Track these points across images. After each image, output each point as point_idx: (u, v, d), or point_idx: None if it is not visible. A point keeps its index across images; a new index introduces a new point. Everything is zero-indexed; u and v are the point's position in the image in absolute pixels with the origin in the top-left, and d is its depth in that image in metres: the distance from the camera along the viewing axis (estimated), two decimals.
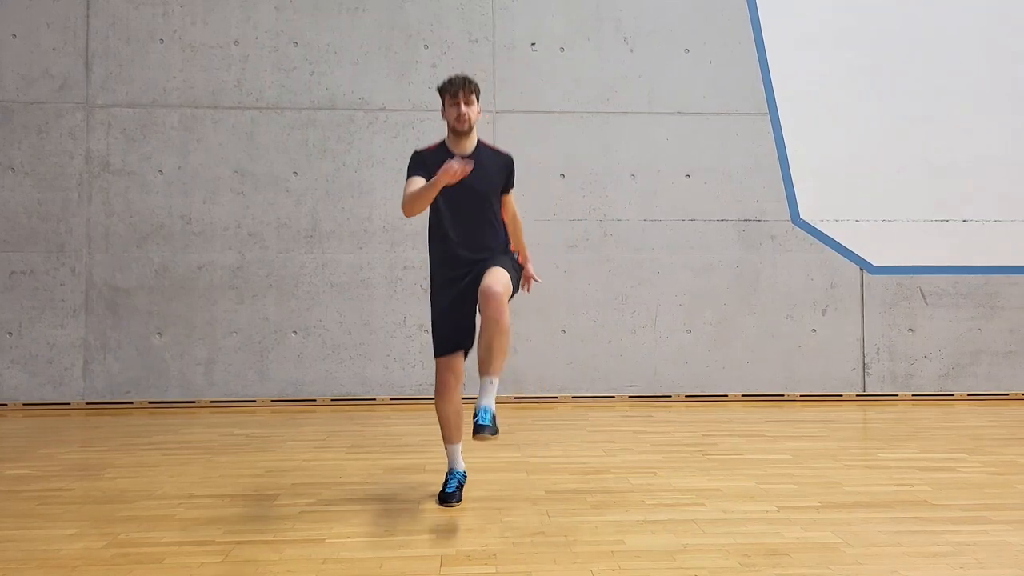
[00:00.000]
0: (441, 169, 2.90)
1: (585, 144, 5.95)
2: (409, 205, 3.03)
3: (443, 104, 3.21)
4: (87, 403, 5.63)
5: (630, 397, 5.88)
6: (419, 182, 3.07)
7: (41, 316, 5.63)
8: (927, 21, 6.16)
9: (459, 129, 3.16)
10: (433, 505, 3.11)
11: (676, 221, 5.99)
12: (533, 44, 5.99)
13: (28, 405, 5.59)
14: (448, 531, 2.78)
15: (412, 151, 3.29)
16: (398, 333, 5.75)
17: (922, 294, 6.06)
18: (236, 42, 5.83)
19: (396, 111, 5.89)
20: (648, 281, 5.95)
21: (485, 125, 5.68)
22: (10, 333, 5.62)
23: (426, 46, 5.94)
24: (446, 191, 3.07)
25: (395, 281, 5.81)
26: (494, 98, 5.86)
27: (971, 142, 6.11)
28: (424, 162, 3.16)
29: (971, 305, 6.07)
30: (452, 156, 3.11)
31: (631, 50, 6.03)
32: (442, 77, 5.83)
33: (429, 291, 3.33)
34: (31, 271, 5.65)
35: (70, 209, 5.69)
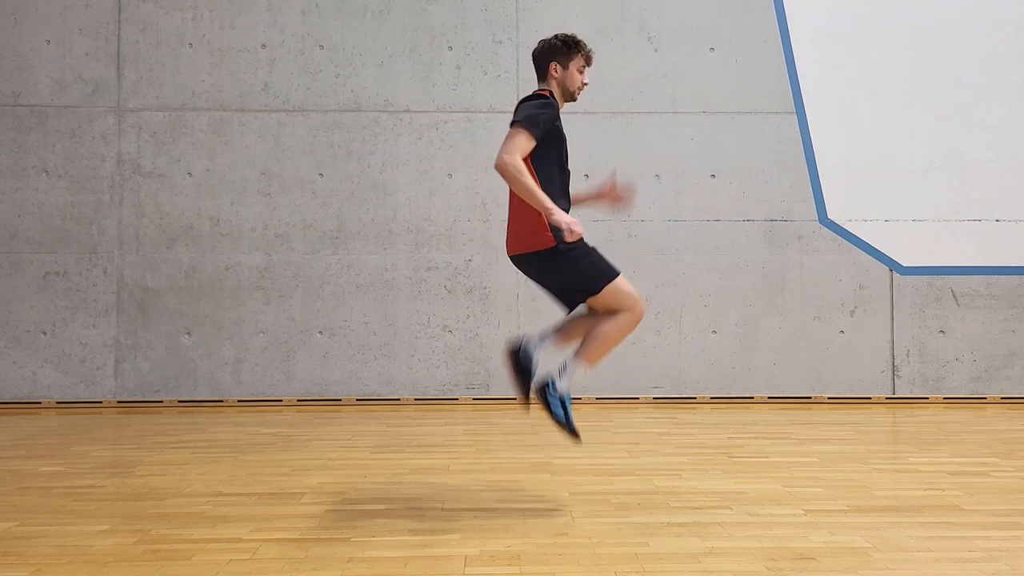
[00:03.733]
0: (570, 219, 2.65)
1: (609, 144, 5.93)
2: (517, 173, 2.66)
3: (566, 64, 2.88)
4: (118, 401, 5.73)
5: (654, 399, 5.85)
6: (529, 146, 2.72)
7: (74, 316, 5.75)
8: (957, 17, 6.04)
9: (575, 99, 2.94)
10: (457, 505, 3.11)
11: (701, 221, 5.94)
12: None
13: (61, 403, 5.71)
14: (472, 531, 2.78)
15: (543, 96, 2.84)
16: (422, 334, 5.78)
17: (954, 295, 5.94)
18: (263, 46, 5.90)
19: (420, 112, 5.92)
20: (672, 282, 5.91)
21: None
22: (44, 333, 5.74)
23: (450, 48, 5.96)
24: (566, 150, 2.88)
25: (419, 282, 5.83)
26: (517, 98, 5.85)
27: (1003, 140, 5.98)
28: (556, 117, 2.79)
29: (1004, 307, 5.94)
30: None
31: (655, 49, 6.00)
32: (467, 78, 5.93)
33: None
34: (64, 272, 5.77)
35: (102, 211, 5.80)
